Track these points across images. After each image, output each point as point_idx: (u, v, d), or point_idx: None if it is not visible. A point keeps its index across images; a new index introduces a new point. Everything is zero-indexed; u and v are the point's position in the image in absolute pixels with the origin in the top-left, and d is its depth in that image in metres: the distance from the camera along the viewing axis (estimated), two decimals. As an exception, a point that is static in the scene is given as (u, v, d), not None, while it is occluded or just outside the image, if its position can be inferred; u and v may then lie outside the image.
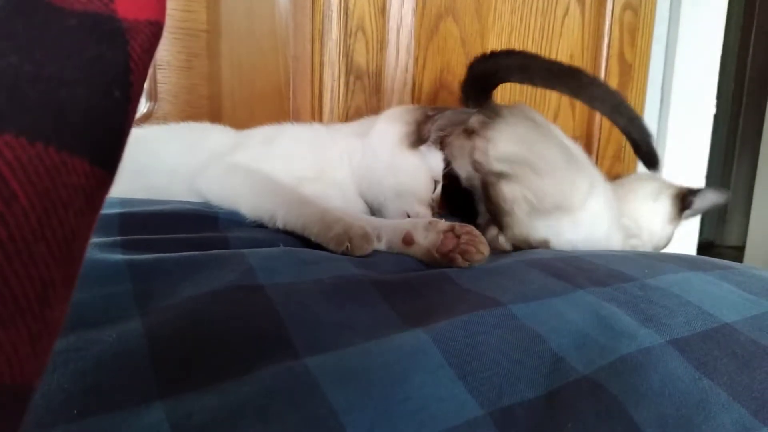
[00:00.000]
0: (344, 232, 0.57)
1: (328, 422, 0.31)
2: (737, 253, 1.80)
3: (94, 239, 0.50)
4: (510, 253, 0.66)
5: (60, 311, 0.20)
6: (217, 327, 0.38)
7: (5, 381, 0.18)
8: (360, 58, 0.85)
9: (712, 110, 1.48)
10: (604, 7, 1.10)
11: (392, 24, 0.87)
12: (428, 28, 0.91)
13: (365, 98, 0.87)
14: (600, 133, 1.16)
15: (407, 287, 0.47)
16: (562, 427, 0.34)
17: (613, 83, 1.15)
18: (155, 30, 0.24)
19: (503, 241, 0.74)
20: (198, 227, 0.60)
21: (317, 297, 0.43)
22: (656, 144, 1.41)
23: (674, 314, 0.45)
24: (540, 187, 0.72)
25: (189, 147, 0.78)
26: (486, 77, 0.76)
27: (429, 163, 0.78)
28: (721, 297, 0.49)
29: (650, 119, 1.41)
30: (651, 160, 0.78)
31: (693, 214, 0.96)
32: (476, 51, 0.97)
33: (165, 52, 1.22)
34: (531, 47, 1.03)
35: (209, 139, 0.79)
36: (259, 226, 0.65)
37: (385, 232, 0.61)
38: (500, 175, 0.72)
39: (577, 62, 1.10)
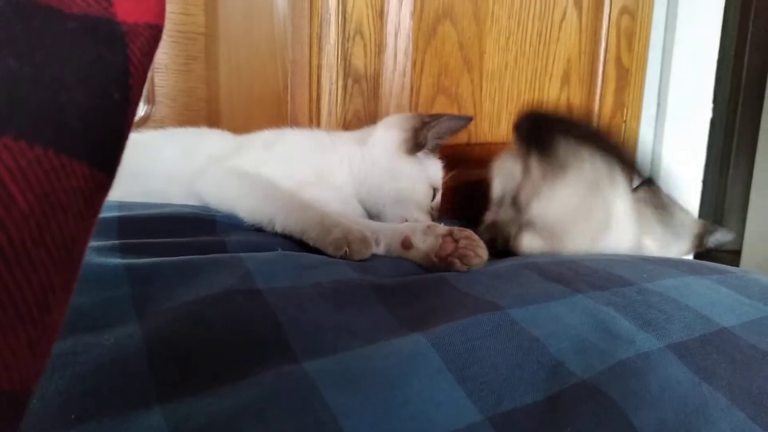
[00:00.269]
0: (343, 236, 0.57)
1: (327, 426, 0.31)
2: (733, 257, 1.80)
3: (93, 243, 0.50)
4: (508, 258, 0.66)
5: (59, 315, 0.20)
6: (216, 331, 0.38)
7: (4, 387, 0.17)
8: (358, 61, 0.85)
9: (709, 115, 1.49)
10: (601, 12, 1.11)
11: (390, 28, 0.87)
12: (426, 32, 0.91)
13: (363, 102, 0.87)
14: (597, 137, 1.16)
15: (406, 291, 0.47)
16: (562, 432, 0.34)
17: (611, 88, 1.16)
18: (154, 33, 0.24)
19: None
20: (196, 231, 0.59)
21: (316, 301, 0.43)
22: (653, 149, 1.41)
23: (673, 319, 0.45)
24: (561, 248, 0.71)
25: (187, 151, 0.78)
26: (549, 129, 0.73)
27: (427, 171, 0.78)
28: (719, 301, 0.49)
29: (647, 124, 1.41)
30: None
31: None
32: (474, 55, 0.97)
33: (163, 55, 1.22)
34: (528, 51, 1.03)
35: (207, 144, 0.79)
36: (258, 229, 0.64)
37: (383, 236, 0.61)
38: (529, 225, 0.71)
39: (575, 67, 1.10)
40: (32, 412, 0.19)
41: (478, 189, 0.82)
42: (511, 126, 1.04)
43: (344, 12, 0.83)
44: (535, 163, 0.73)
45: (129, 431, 0.30)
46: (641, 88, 1.21)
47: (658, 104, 1.44)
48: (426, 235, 0.58)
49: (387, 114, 0.87)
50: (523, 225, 0.69)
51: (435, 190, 0.78)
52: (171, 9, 1.22)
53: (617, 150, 0.71)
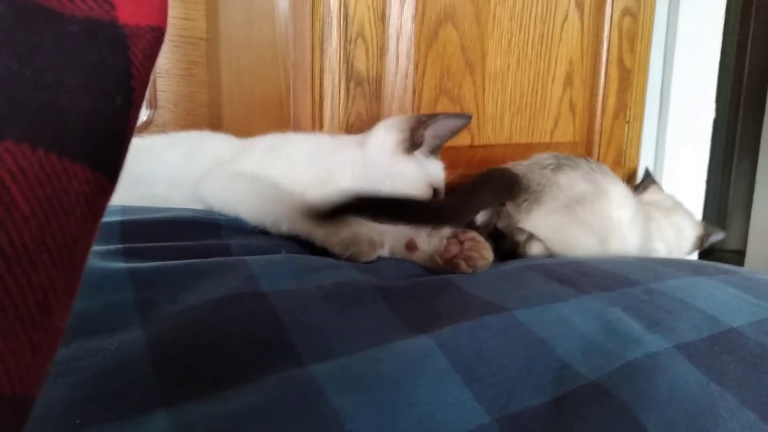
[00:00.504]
0: (351, 237, 0.56)
1: (333, 429, 0.31)
2: (738, 257, 1.80)
3: (96, 247, 0.50)
4: (514, 259, 0.66)
5: (61, 319, 0.20)
6: (220, 335, 0.38)
7: (5, 391, 0.17)
8: (360, 64, 0.85)
9: (711, 115, 1.49)
10: (603, 13, 1.11)
11: (392, 31, 0.87)
12: (428, 35, 0.91)
13: (366, 105, 0.87)
14: (600, 139, 1.16)
15: (411, 293, 0.47)
16: (570, 434, 0.34)
17: (613, 89, 1.15)
18: (157, 36, 0.24)
19: None
20: (200, 235, 0.59)
21: (320, 303, 0.43)
22: (656, 150, 1.41)
23: (680, 319, 0.45)
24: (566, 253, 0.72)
25: (190, 155, 0.78)
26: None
27: (427, 170, 0.78)
28: (726, 301, 0.49)
29: (650, 124, 1.41)
30: None
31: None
32: (476, 57, 0.97)
33: (164, 60, 1.22)
34: (530, 53, 1.03)
35: (211, 147, 0.79)
36: (262, 232, 0.64)
37: (387, 239, 0.61)
38: (531, 236, 0.71)
39: (577, 68, 1.10)
40: (35, 418, 0.19)
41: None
42: (513, 127, 1.04)
43: (346, 15, 0.83)
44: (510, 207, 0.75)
45: (133, 436, 0.30)
46: (644, 89, 1.21)
47: (661, 105, 1.44)
48: (430, 237, 0.58)
49: (389, 117, 0.87)
50: (528, 237, 0.69)
51: (436, 191, 0.78)
52: (172, 14, 1.22)
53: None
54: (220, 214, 0.67)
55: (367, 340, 0.38)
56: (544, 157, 0.80)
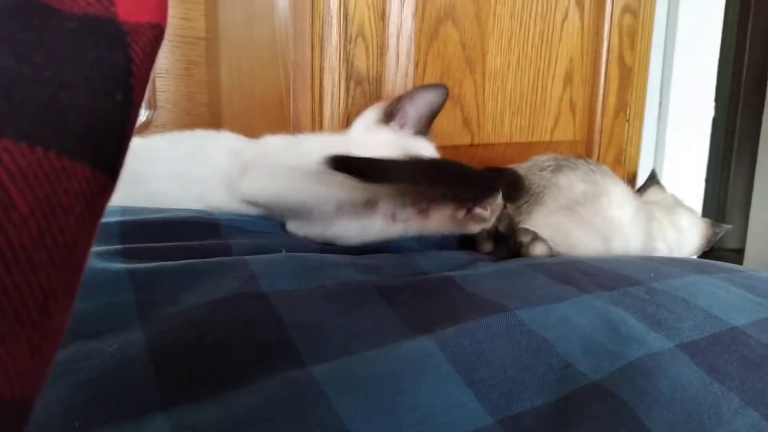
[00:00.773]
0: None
1: (334, 431, 0.31)
2: (737, 255, 1.80)
3: (95, 248, 0.49)
4: (515, 258, 0.66)
5: (61, 322, 0.20)
6: (221, 336, 0.38)
7: (5, 395, 0.17)
8: (360, 63, 0.85)
9: (711, 113, 1.49)
10: (603, 11, 1.10)
11: (392, 29, 0.87)
12: (428, 33, 0.91)
13: (366, 104, 0.87)
14: (601, 137, 1.16)
15: (412, 292, 0.47)
16: (573, 435, 0.34)
17: (613, 87, 1.15)
18: (157, 33, 0.24)
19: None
20: (200, 235, 0.59)
21: (321, 304, 0.43)
22: (656, 148, 1.41)
23: (682, 318, 0.45)
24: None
25: (198, 151, 0.77)
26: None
27: (408, 144, 0.78)
28: (728, 300, 0.49)
29: (649, 123, 1.41)
30: None
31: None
32: (476, 55, 0.97)
33: (164, 60, 1.22)
34: (531, 52, 1.03)
35: (221, 142, 0.79)
36: (266, 232, 0.64)
37: (399, 212, 0.61)
38: (536, 236, 0.71)
39: (577, 67, 1.10)
40: (34, 421, 0.18)
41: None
42: (514, 126, 1.04)
43: (346, 14, 0.82)
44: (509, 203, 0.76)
45: (134, 438, 0.30)
46: (644, 87, 1.21)
47: (660, 103, 1.44)
48: (440, 207, 0.59)
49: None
50: (533, 237, 0.69)
51: None
52: (171, 14, 1.21)
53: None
54: (221, 214, 0.66)
55: (368, 341, 0.38)
56: (543, 159, 0.80)
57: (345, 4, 0.82)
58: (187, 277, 0.46)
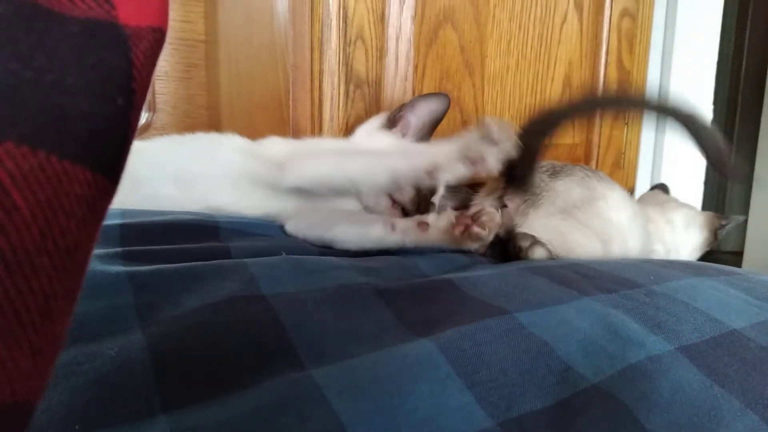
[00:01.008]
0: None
1: None
2: (735, 258, 1.80)
3: (95, 250, 0.49)
4: (515, 261, 0.66)
5: (62, 325, 0.20)
6: (221, 338, 0.38)
7: (6, 399, 0.17)
8: (359, 66, 0.85)
9: (709, 116, 1.49)
10: (602, 15, 1.11)
11: (391, 32, 0.87)
12: (427, 36, 0.91)
13: (365, 107, 0.87)
14: (600, 140, 1.16)
15: (412, 295, 0.47)
16: (573, 438, 0.34)
17: (612, 90, 1.15)
18: (158, 36, 0.24)
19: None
20: (199, 237, 0.59)
21: (321, 306, 0.43)
22: (655, 151, 1.41)
23: (682, 321, 0.45)
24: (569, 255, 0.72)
25: (203, 153, 0.77)
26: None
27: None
28: (728, 303, 0.49)
29: (648, 126, 1.41)
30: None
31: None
32: (475, 58, 0.97)
33: (163, 62, 1.22)
34: (530, 55, 1.03)
35: (228, 144, 0.79)
36: (265, 234, 0.64)
37: (399, 222, 0.61)
38: (535, 240, 0.71)
39: (576, 70, 1.10)
40: (35, 424, 0.18)
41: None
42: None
43: (345, 17, 0.82)
44: (510, 201, 0.76)
45: (134, 441, 0.30)
46: (643, 90, 1.21)
47: (659, 106, 1.44)
48: (440, 216, 0.59)
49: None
50: (532, 241, 0.69)
51: None
52: (171, 17, 1.21)
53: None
54: (221, 217, 0.66)
55: (368, 344, 0.38)
56: (541, 164, 0.80)
57: (344, 7, 0.82)
58: (186, 279, 0.46)
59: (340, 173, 0.67)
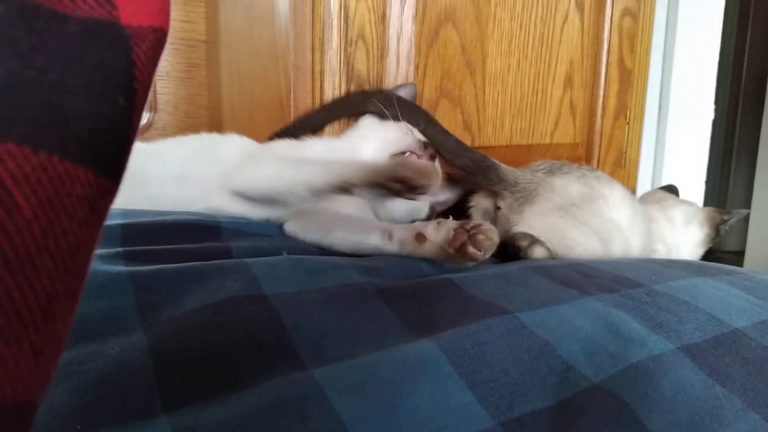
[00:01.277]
0: (401, 163, 0.62)
1: None
2: (737, 257, 1.80)
3: (97, 251, 0.49)
4: (516, 261, 0.66)
5: (64, 325, 0.20)
6: (222, 338, 0.38)
7: (7, 399, 0.17)
8: (361, 66, 0.85)
9: (711, 116, 1.49)
10: (603, 14, 1.11)
11: (392, 32, 0.87)
12: (428, 36, 0.91)
13: (366, 107, 0.87)
14: (601, 140, 1.16)
15: (413, 295, 0.47)
16: (575, 437, 0.34)
17: (613, 89, 1.15)
18: (159, 37, 0.24)
19: None
20: (200, 237, 0.59)
21: (322, 306, 0.43)
22: (656, 151, 1.41)
23: (684, 320, 0.45)
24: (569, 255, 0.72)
25: (204, 152, 0.78)
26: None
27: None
28: (729, 302, 0.49)
29: (649, 125, 1.41)
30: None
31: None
32: (477, 58, 0.97)
33: (164, 62, 1.22)
34: (531, 54, 1.03)
35: (229, 143, 0.79)
36: (265, 234, 0.64)
37: (396, 232, 0.61)
38: (534, 240, 0.71)
39: (577, 69, 1.10)
40: (35, 424, 0.18)
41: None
42: (514, 129, 1.04)
43: (346, 17, 0.82)
44: (502, 201, 0.77)
45: (135, 441, 0.30)
46: (644, 90, 1.21)
47: (660, 106, 1.44)
48: (438, 228, 0.58)
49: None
50: (531, 241, 0.69)
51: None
52: (172, 17, 1.21)
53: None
54: (222, 217, 0.66)
55: (370, 344, 0.38)
56: (538, 163, 0.80)
57: (345, 7, 0.82)
58: (188, 279, 0.46)
59: (272, 185, 0.69)
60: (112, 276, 0.45)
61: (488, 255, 0.56)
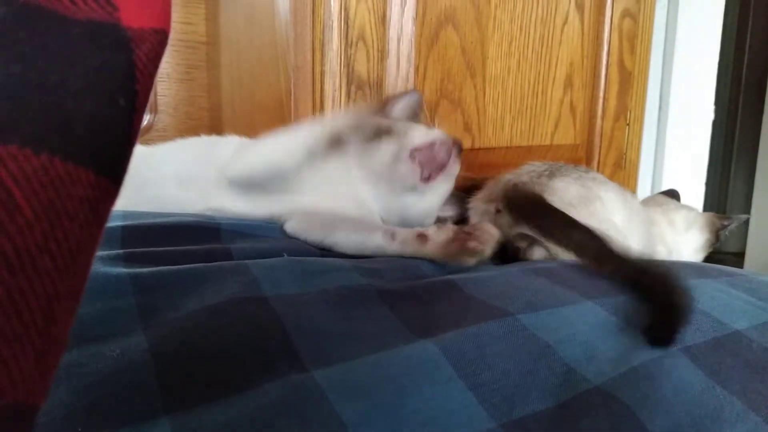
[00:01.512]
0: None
1: None
2: (737, 259, 1.80)
3: (97, 252, 0.49)
4: (517, 263, 0.66)
5: (65, 327, 0.20)
6: (223, 340, 0.38)
7: (8, 400, 0.17)
8: (361, 67, 0.85)
9: (710, 117, 1.49)
10: (603, 15, 1.11)
11: (392, 33, 0.87)
12: (428, 37, 0.91)
13: (366, 108, 0.87)
14: (601, 141, 1.16)
15: (414, 296, 0.46)
16: (576, 439, 0.34)
17: (614, 90, 1.15)
18: (161, 38, 0.24)
19: None
20: (201, 239, 0.59)
21: (323, 308, 0.43)
22: (656, 152, 1.41)
23: (684, 322, 0.45)
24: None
25: (204, 153, 0.78)
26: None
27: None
28: (730, 304, 0.49)
29: (649, 127, 1.41)
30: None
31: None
32: (477, 60, 0.97)
33: (165, 64, 1.22)
34: (531, 56, 1.03)
35: (227, 143, 0.79)
36: (264, 236, 0.64)
37: (399, 232, 0.61)
38: (534, 241, 0.71)
39: (578, 70, 1.10)
40: (36, 426, 0.18)
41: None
42: (514, 130, 1.04)
43: (347, 18, 0.83)
44: (500, 205, 0.76)
45: (136, 443, 0.30)
46: (644, 91, 1.21)
47: (660, 107, 1.44)
48: (440, 229, 0.59)
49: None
50: (535, 240, 0.69)
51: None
52: (172, 18, 1.21)
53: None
54: (222, 218, 0.66)
55: (371, 345, 0.38)
56: (537, 165, 0.80)
57: (346, 8, 0.82)
58: (188, 281, 0.46)
59: (267, 159, 0.69)
60: (113, 277, 0.45)
61: (489, 250, 0.56)
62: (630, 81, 1.17)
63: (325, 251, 0.63)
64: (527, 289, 0.48)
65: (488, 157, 1.02)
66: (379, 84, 0.87)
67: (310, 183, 0.71)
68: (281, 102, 0.89)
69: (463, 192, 0.84)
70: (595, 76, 1.13)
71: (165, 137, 0.85)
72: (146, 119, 1.24)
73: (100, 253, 0.50)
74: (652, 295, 0.47)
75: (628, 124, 1.20)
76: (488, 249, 0.56)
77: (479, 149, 1.01)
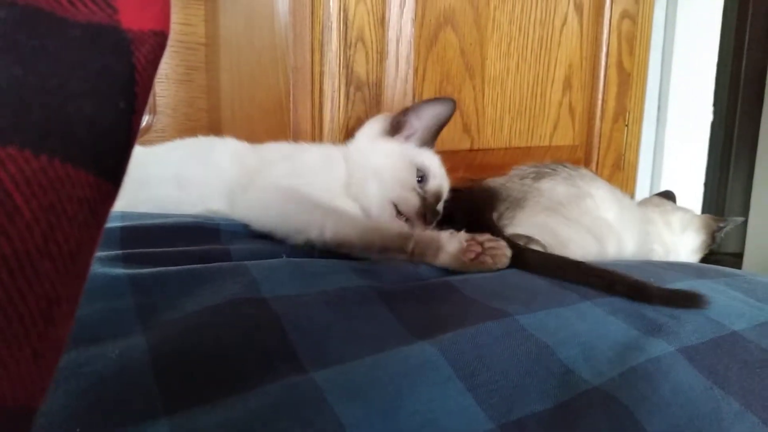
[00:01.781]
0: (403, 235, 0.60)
1: None
2: (735, 259, 1.80)
3: (96, 253, 0.49)
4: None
5: (64, 328, 0.20)
6: (222, 341, 0.38)
7: (7, 402, 0.17)
8: (360, 68, 0.85)
9: (709, 118, 1.49)
10: (602, 17, 1.11)
11: (392, 35, 0.87)
12: (427, 39, 0.91)
13: (365, 109, 0.87)
14: (600, 142, 1.16)
15: (413, 298, 0.47)
16: (574, 440, 0.34)
17: (612, 92, 1.16)
18: (160, 40, 0.24)
19: None
20: (200, 240, 0.59)
21: (322, 309, 0.43)
22: (655, 153, 1.41)
23: (682, 323, 0.45)
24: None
25: (200, 154, 0.78)
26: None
27: (413, 155, 0.77)
28: (728, 305, 0.49)
29: (648, 128, 1.41)
30: None
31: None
32: (476, 61, 0.97)
33: (164, 65, 1.22)
34: (530, 57, 1.03)
35: (223, 146, 0.79)
36: (263, 237, 0.64)
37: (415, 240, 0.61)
38: (529, 240, 0.71)
39: (576, 72, 1.10)
40: (35, 427, 0.18)
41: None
42: (513, 131, 1.05)
43: (346, 19, 0.83)
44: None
45: (135, 444, 0.30)
46: (643, 92, 1.21)
47: (659, 108, 1.44)
48: (450, 239, 0.58)
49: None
50: (532, 239, 0.69)
51: (425, 176, 0.77)
52: (171, 20, 1.21)
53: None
54: (221, 219, 0.66)
55: (369, 346, 0.38)
56: (524, 168, 0.80)
57: (345, 10, 0.82)
58: (187, 282, 0.46)
59: (283, 227, 0.64)
60: (111, 278, 0.45)
61: (500, 265, 0.56)
62: (629, 82, 1.17)
63: (325, 252, 0.63)
64: (525, 289, 0.49)
65: (487, 158, 1.02)
66: (378, 85, 0.87)
67: None
68: (280, 103, 0.89)
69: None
70: (594, 77, 1.13)
71: (164, 138, 0.85)
72: (145, 120, 1.24)
73: (98, 253, 0.50)
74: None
75: (626, 126, 1.20)
76: (498, 265, 0.56)
77: (478, 150, 1.01)
